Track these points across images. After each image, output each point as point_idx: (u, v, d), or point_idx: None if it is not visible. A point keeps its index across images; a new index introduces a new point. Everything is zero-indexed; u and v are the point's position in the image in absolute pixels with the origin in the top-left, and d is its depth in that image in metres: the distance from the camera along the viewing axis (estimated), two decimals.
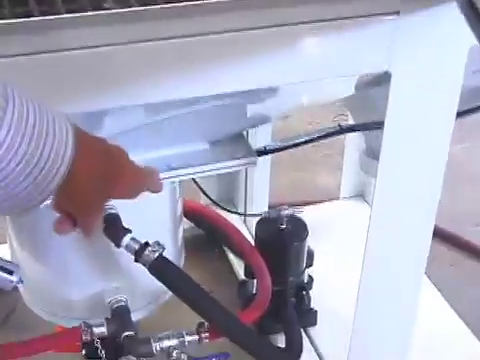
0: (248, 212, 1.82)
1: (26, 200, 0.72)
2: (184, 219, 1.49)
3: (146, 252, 1.17)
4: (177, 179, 1.19)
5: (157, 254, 1.17)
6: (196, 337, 1.27)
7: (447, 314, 1.70)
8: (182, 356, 1.25)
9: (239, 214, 1.84)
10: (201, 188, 1.66)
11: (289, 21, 0.85)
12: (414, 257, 1.17)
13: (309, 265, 1.62)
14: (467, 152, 2.40)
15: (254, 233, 1.59)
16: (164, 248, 1.18)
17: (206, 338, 1.27)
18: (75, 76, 0.83)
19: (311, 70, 0.91)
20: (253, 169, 1.81)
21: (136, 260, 1.18)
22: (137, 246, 1.18)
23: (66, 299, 1.34)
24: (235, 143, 1.22)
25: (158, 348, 1.25)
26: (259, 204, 1.83)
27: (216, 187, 1.80)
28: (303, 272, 1.61)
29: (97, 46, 0.81)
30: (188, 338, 1.27)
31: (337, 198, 2.07)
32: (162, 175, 1.17)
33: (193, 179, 1.65)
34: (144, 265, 1.18)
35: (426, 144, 1.05)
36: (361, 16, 0.86)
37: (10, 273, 1.23)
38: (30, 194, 0.71)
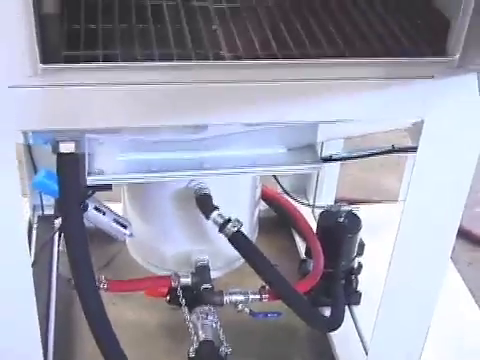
0: (316, 204, 2.15)
1: None
2: (262, 202, 1.83)
3: (228, 226, 1.53)
4: (258, 174, 1.54)
5: (236, 228, 1.53)
6: (258, 296, 1.64)
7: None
8: (246, 309, 1.61)
9: (308, 205, 2.17)
10: (278, 181, 2.00)
11: (355, 76, 1.17)
12: (439, 252, 1.44)
13: (359, 254, 1.93)
14: None
15: (317, 222, 1.92)
16: (242, 224, 1.54)
17: (266, 298, 1.64)
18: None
19: (366, 111, 1.23)
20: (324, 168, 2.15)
21: (220, 231, 1.54)
22: (222, 220, 1.53)
23: (161, 253, 1.72)
24: (307, 151, 1.52)
25: (228, 301, 1.62)
26: (327, 197, 2.15)
27: (291, 181, 2.13)
28: (354, 259, 1.92)
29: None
30: (252, 296, 1.64)
31: (396, 201, 2.36)
32: (248, 170, 1.51)
33: None
34: (225, 236, 1.54)
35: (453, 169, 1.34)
36: (405, 77, 1.17)
37: (124, 227, 1.60)
38: None
